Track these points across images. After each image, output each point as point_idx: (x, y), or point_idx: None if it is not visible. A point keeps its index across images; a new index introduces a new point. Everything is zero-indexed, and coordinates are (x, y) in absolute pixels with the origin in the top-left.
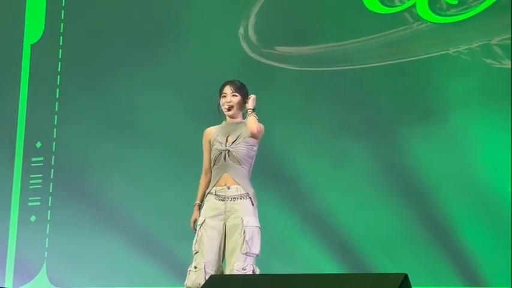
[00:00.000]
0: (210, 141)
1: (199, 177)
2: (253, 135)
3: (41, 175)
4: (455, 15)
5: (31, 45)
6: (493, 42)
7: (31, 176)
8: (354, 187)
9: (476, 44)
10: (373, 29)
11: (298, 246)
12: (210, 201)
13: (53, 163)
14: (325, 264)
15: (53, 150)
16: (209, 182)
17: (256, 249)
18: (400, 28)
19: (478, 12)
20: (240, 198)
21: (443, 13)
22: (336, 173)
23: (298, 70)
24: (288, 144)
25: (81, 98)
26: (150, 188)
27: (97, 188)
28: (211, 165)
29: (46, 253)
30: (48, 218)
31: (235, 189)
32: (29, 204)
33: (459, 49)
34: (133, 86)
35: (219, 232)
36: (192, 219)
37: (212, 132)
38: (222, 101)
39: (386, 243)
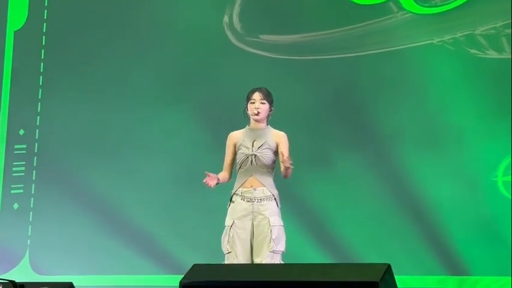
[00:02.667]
0: (235, 144)
1: (187, 166)
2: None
3: (24, 162)
4: (440, 5)
5: (14, 31)
6: (477, 32)
7: (14, 163)
8: (341, 180)
9: (461, 34)
10: (358, 18)
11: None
12: (237, 203)
13: (36, 150)
14: (310, 256)
15: (36, 137)
16: (229, 176)
17: (282, 246)
18: (385, 18)
19: (462, 2)
20: (266, 200)
21: (428, 4)
22: (323, 164)
23: (283, 59)
24: None
25: (65, 85)
26: (134, 175)
27: (80, 175)
28: (237, 168)
29: (29, 241)
30: (31, 206)
31: (261, 191)
32: (12, 191)
33: (443, 39)
34: (116, 73)
35: (248, 232)
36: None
37: (238, 136)
38: (251, 106)
39: (370, 234)
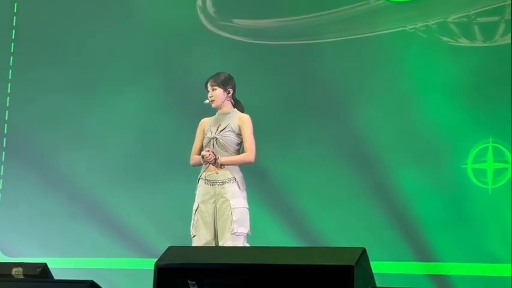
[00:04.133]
0: (204, 130)
1: (158, 150)
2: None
3: None
4: None
5: None
6: (450, 20)
7: None
8: (312, 164)
9: (433, 22)
10: (332, 3)
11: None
12: (201, 187)
13: (5, 132)
14: (280, 241)
15: (6, 118)
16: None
17: (244, 228)
18: (359, 4)
19: None
20: (228, 182)
21: None
22: (293, 149)
23: (256, 43)
24: None
25: (35, 67)
26: (106, 157)
27: (50, 157)
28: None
29: None
30: (0, 187)
31: (223, 174)
32: None
33: (416, 26)
34: (86, 56)
35: (212, 215)
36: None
37: (207, 122)
38: (208, 96)
39: (339, 220)
